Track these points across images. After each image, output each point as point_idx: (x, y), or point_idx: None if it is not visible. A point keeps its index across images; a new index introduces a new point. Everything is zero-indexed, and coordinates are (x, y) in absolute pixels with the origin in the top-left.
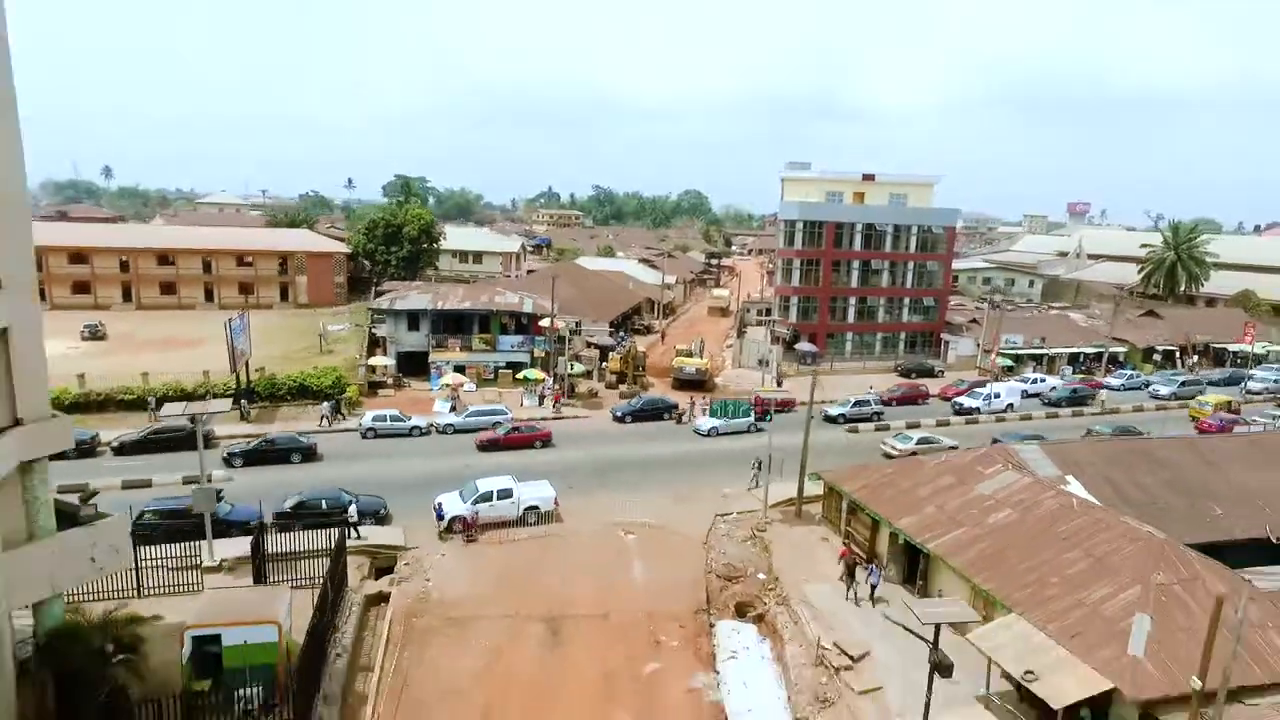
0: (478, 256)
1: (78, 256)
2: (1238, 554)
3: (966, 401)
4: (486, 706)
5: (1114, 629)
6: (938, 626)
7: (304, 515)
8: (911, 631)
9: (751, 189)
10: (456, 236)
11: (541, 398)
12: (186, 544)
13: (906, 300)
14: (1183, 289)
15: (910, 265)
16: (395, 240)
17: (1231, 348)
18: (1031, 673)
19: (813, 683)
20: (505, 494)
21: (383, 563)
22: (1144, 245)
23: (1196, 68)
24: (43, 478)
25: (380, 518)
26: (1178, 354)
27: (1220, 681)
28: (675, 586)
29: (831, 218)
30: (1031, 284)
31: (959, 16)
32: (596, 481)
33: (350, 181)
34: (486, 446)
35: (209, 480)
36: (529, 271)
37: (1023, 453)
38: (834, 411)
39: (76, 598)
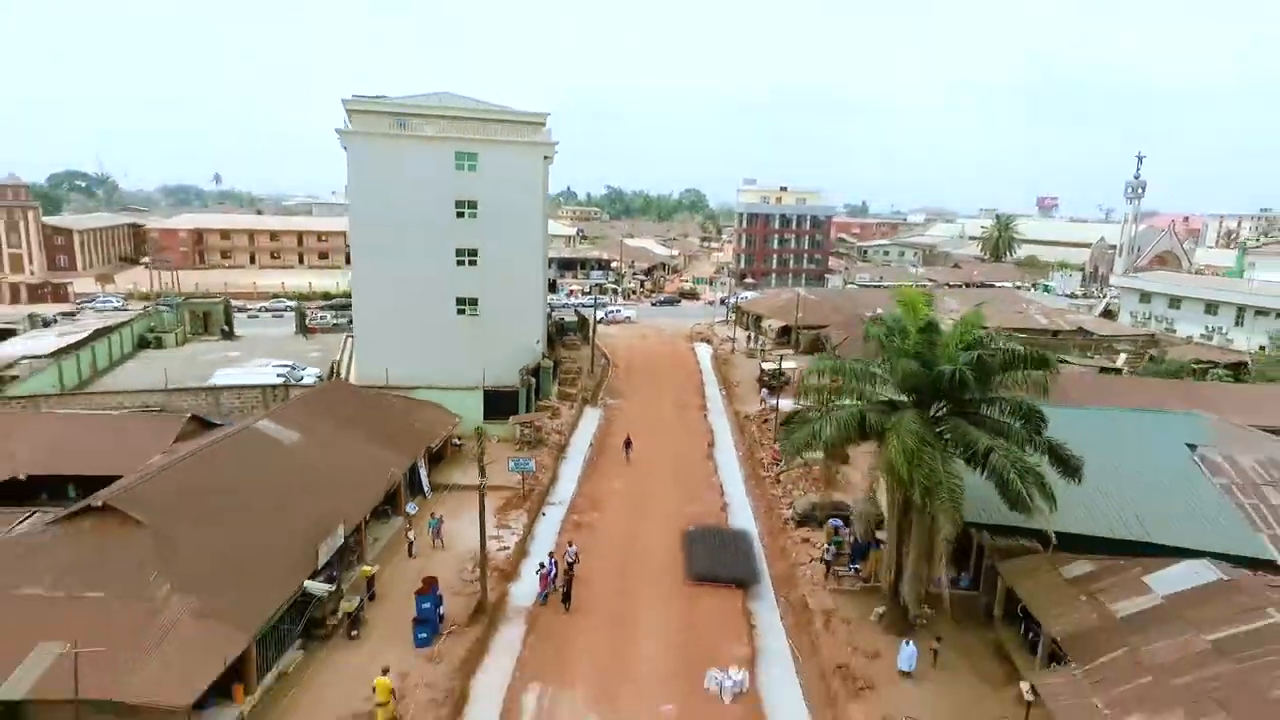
0: None
1: (271, 235)
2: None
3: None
4: (629, 348)
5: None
6: (750, 333)
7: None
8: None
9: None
10: None
11: (615, 294)
12: None
13: (805, 256)
14: (1004, 255)
15: (807, 237)
16: None
17: (998, 283)
18: (771, 324)
19: (720, 349)
20: (618, 311)
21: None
22: (982, 227)
23: (1186, 68)
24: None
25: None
26: (963, 286)
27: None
28: (680, 333)
29: (764, 211)
30: (916, 254)
31: (958, 21)
32: (648, 319)
33: None
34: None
35: None
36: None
37: (801, 291)
38: None
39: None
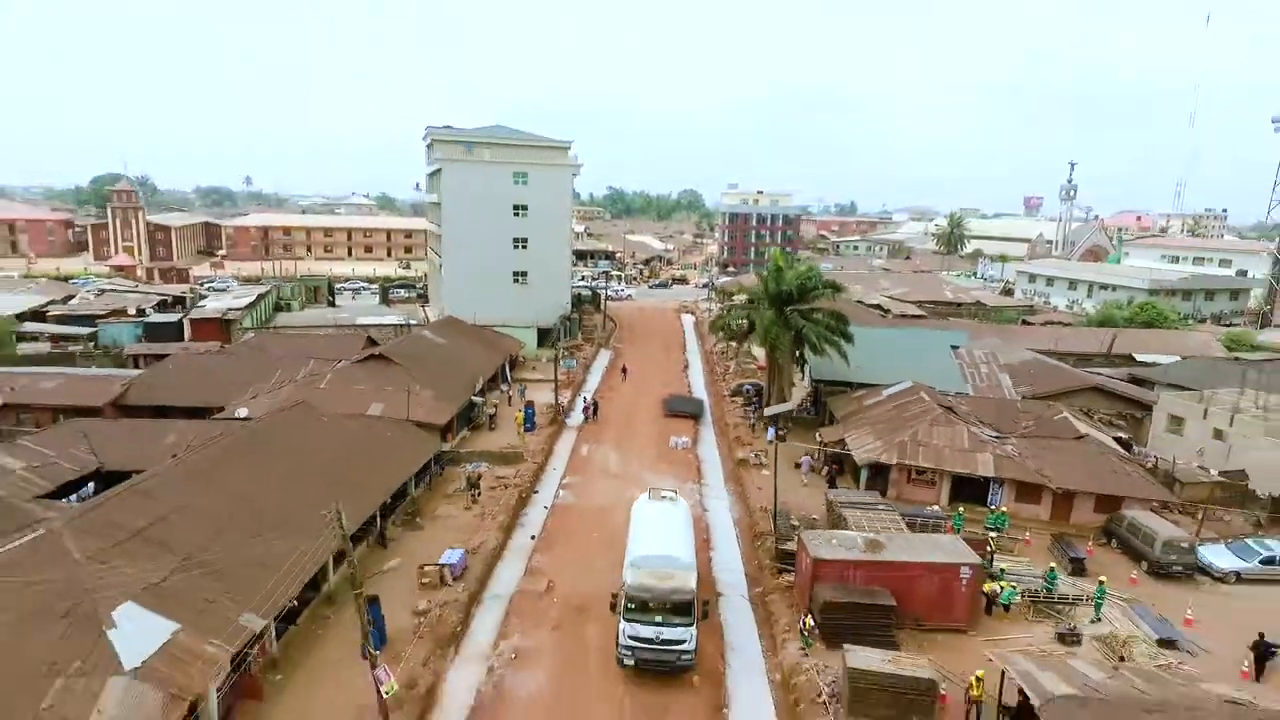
0: None
1: (325, 232)
2: None
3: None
4: (630, 317)
5: None
6: (709, 293)
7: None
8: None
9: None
10: None
11: (619, 281)
12: None
13: (779, 248)
14: (956, 249)
15: (780, 232)
16: None
17: (939, 271)
18: (740, 299)
19: (701, 317)
20: (621, 290)
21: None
22: (937, 225)
23: (1187, 68)
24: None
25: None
26: (912, 273)
27: None
28: (670, 308)
29: (743, 210)
30: (882, 249)
31: (958, 21)
32: (646, 298)
33: (418, 186)
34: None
35: None
36: None
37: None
38: None
39: None
